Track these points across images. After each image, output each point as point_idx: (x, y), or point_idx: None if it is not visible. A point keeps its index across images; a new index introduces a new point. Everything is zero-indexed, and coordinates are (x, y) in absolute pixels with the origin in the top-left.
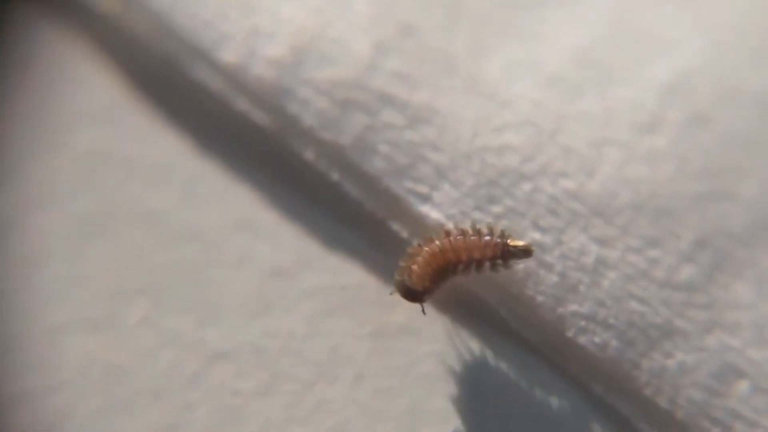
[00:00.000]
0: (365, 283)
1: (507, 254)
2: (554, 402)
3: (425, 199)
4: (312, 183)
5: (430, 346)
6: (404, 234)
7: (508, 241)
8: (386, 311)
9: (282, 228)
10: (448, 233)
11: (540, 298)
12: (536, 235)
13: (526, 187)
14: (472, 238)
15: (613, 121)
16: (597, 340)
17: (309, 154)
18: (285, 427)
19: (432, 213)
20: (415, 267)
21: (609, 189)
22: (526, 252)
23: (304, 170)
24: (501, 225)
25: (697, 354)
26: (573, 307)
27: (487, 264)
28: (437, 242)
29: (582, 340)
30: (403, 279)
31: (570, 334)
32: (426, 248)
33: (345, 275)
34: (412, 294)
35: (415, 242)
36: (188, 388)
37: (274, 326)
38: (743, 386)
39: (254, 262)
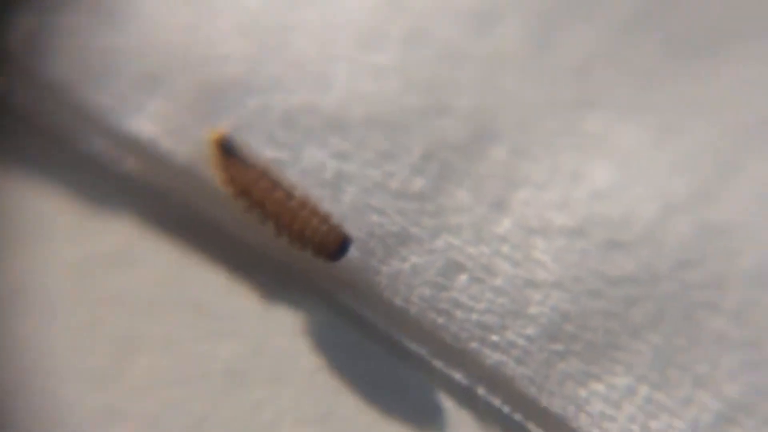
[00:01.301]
0: None
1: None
2: (305, 317)
3: (133, 111)
4: None
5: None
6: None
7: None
8: None
9: None
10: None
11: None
12: (272, 151)
13: (255, 101)
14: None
15: (338, 35)
16: None
17: None
18: None
19: (145, 127)
20: (325, 226)
21: (343, 104)
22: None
23: None
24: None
25: (428, 256)
26: None
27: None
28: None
29: None
30: (342, 231)
31: None
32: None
33: None
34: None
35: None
36: None
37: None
38: (463, 278)
39: None
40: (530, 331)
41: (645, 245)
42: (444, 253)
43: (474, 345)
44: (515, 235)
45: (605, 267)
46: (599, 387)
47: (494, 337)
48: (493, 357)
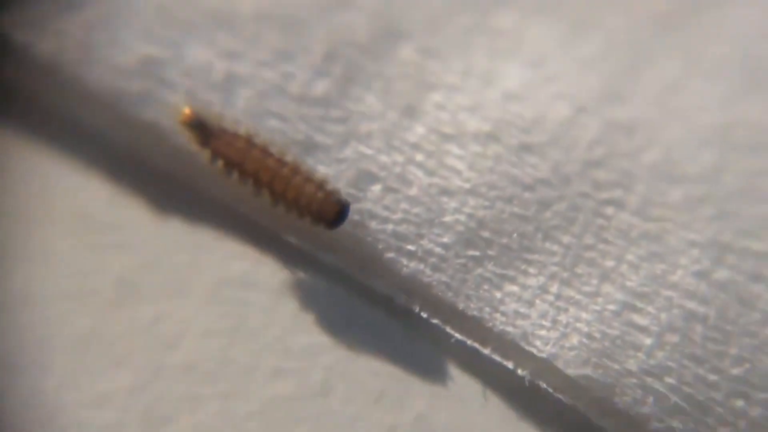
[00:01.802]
0: None
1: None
2: (207, 230)
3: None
4: None
5: None
6: None
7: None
8: None
9: None
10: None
11: (164, 123)
12: (149, 48)
13: None
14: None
15: None
16: None
17: None
18: None
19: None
20: (321, 193)
21: None
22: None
23: None
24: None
25: (337, 166)
26: None
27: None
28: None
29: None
30: (340, 198)
31: (206, 160)
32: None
33: None
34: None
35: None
36: None
37: None
38: (377, 189)
39: None
40: (446, 239)
41: (556, 147)
42: (355, 163)
43: (390, 255)
44: (428, 142)
45: (519, 171)
46: (513, 288)
47: (410, 247)
48: (410, 266)
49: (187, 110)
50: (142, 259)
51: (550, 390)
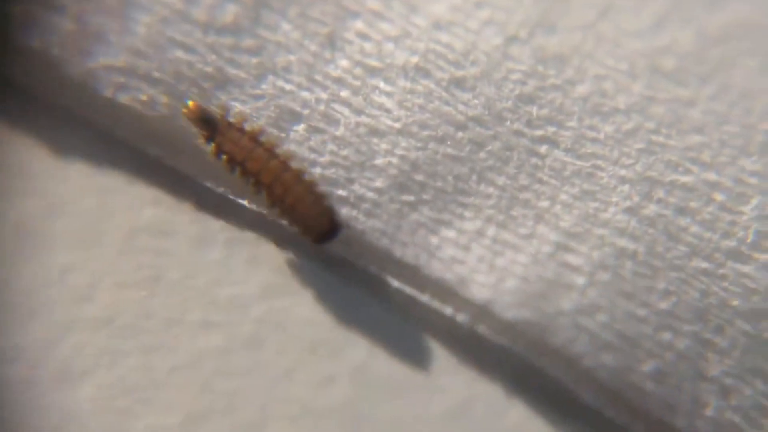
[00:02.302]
0: None
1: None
2: (119, 176)
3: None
4: None
5: None
6: None
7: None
8: None
9: None
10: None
11: (55, 52)
12: None
13: None
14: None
15: None
16: (143, 97)
17: None
18: None
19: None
20: (316, 209)
21: None
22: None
23: None
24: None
25: (255, 103)
26: (105, 61)
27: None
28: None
29: (124, 99)
30: (334, 217)
31: (108, 93)
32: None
33: None
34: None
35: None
36: None
37: None
38: (300, 129)
39: None
40: (379, 183)
41: (488, 81)
42: (274, 100)
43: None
44: (353, 76)
45: (451, 109)
46: (450, 233)
47: (341, 192)
48: (341, 212)
49: (192, 104)
50: (45, 204)
51: (489, 334)
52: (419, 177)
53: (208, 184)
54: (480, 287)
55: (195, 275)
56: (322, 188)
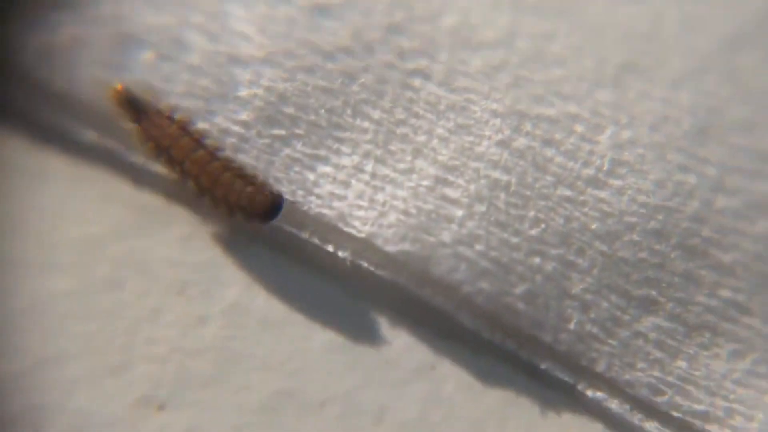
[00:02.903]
0: None
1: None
2: None
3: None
4: None
5: None
6: None
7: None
8: None
9: None
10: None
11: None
12: None
13: None
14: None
15: None
16: None
17: None
18: None
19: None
20: (250, 188)
21: None
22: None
23: None
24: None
25: (90, 27)
26: None
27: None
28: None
29: None
30: (273, 193)
31: None
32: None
33: None
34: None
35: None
36: None
37: None
38: (148, 56)
39: None
40: (245, 116)
41: (353, 9)
42: (114, 25)
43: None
44: (205, 1)
45: (316, 37)
46: (327, 169)
47: (202, 124)
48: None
49: (119, 86)
50: None
51: (371, 269)
52: (289, 110)
53: (44, 115)
54: (361, 222)
55: (31, 214)
56: (251, 171)
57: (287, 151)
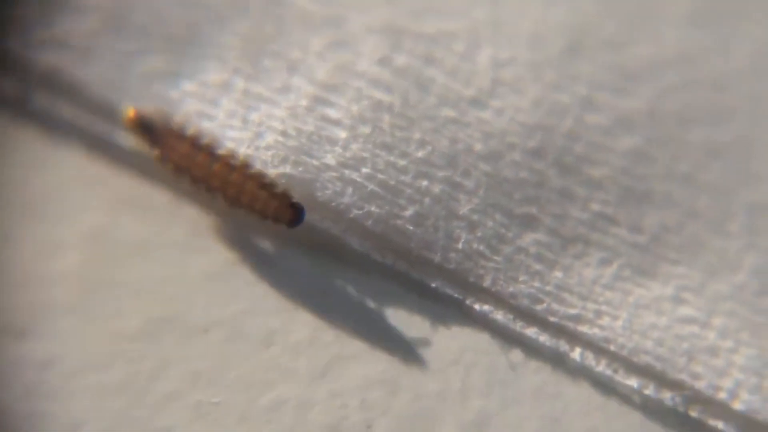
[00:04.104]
0: None
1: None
2: None
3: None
4: None
5: None
6: None
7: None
8: None
9: None
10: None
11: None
12: None
13: None
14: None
15: None
16: None
17: None
18: None
19: None
20: (275, 201)
21: None
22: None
23: None
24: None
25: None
26: None
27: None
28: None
29: None
30: (293, 202)
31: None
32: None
33: None
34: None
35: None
36: None
37: None
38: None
39: None
40: (88, 24)
41: None
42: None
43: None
44: None
45: None
46: (191, 86)
47: (38, 36)
48: (48, 61)
49: (131, 112)
50: None
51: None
52: (139, 19)
53: None
54: (236, 144)
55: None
56: (271, 177)
57: (141, 67)
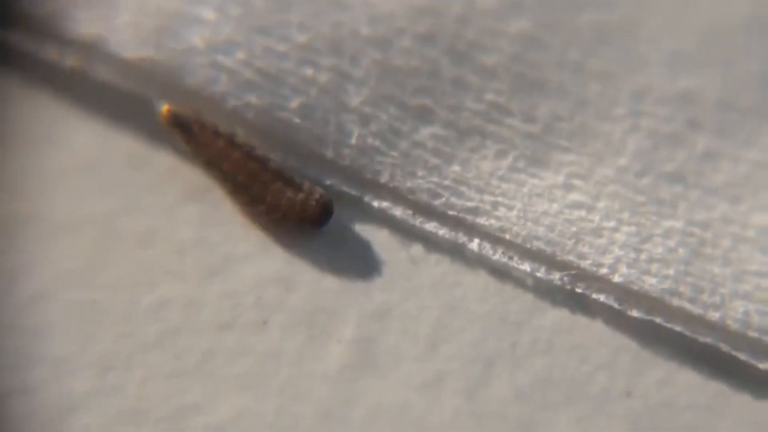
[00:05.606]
0: None
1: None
2: None
3: None
4: None
5: None
6: None
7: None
8: None
9: None
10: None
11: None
12: None
13: None
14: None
15: None
16: None
17: None
18: None
19: None
20: (301, 195)
21: None
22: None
23: None
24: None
25: None
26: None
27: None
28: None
29: None
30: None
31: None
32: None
33: None
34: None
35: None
36: None
37: None
38: None
39: None
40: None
41: None
42: None
43: None
44: None
45: None
46: None
47: None
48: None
49: (165, 108)
50: None
51: (113, 80)
52: None
53: None
54: (85, 23)
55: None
56: (300, 179)
57: None
